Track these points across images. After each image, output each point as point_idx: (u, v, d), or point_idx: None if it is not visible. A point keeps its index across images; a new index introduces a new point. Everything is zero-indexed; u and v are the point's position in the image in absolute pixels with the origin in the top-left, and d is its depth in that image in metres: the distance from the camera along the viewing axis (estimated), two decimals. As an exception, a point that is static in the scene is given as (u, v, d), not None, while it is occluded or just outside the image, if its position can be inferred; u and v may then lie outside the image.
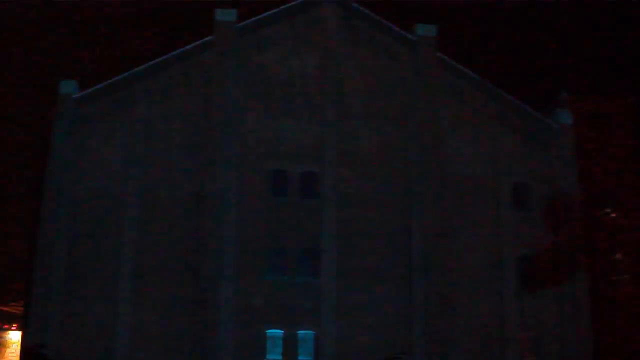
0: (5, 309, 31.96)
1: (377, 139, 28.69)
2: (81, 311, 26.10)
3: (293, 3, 29.44)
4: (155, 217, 27.08)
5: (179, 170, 27.54)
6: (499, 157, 29.34)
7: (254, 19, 28.96)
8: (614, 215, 29.79)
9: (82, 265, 26.50)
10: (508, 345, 27.57)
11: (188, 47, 28.54)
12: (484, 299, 27.85)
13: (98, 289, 26.35)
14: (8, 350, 32.10)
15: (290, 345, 26.70)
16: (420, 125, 28.81)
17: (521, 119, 29.85)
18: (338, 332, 26.76)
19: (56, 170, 27.07)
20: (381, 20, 29.62)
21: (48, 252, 26.31)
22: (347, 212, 27.77)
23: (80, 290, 26.30)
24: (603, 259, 29.24)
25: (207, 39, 28.59)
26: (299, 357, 26.71)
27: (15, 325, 32.21)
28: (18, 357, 30.16)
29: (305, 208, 27.81)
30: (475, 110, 29.60)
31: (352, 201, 27.96)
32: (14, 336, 32.14)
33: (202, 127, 27.86)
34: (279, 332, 26.78)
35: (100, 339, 26.04)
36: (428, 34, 29.56)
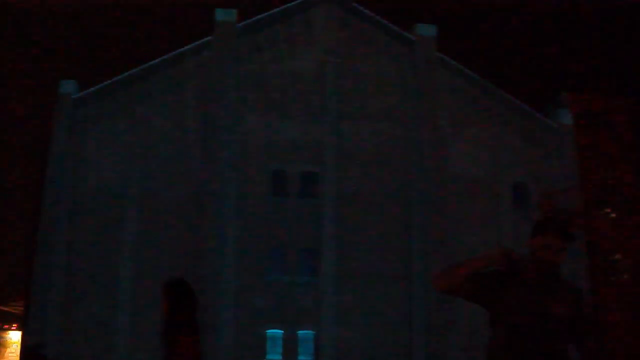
0: (5, 309, 31.94)
1: (377, 139, 28.68)
2: (81, 311, 26.10)
3: (293, 3, 29.45)
4: (155, 217, 27.07)
5: (179, 170, 27.54)
6: (499, 157, 29.34)
7: (253, 19, 28.96)
8: (614, 215, 29.78)
9: (82, 265, 26.50)
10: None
11: (188, 47, 28.55)
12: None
13: (98, 289, 26.35)
14: (8, 350, 32.09)
15: (290, 345, 26.70)
16: (420, 125, 28.80)
17: (521, 119, 29.85)
18: (338, 332, 26.76)
19: (56, 170, 27.07)
20: (381, 20, 29.61)
21: (48, 252, 26.32)
22: (347, 212, 27.76)
23: (80, 290, 26.30)
24: (603, 259, 29.22)
25: (206, 39, 28.59)
26: (299, 357, 26.71)
27: (15, 325, 32.19)
28: (18, 357, 30.13)
29: (305, 208, 27.80)
30: (475, 110, 29.60)
31: (352, 201, 27.95)
32: (14, 336, 32.12)
33: (202, 127, 27.87)
34: (279, 332, 26.78)
35: (100, 339, 26.04)
36: (428, 34, 29.57)
